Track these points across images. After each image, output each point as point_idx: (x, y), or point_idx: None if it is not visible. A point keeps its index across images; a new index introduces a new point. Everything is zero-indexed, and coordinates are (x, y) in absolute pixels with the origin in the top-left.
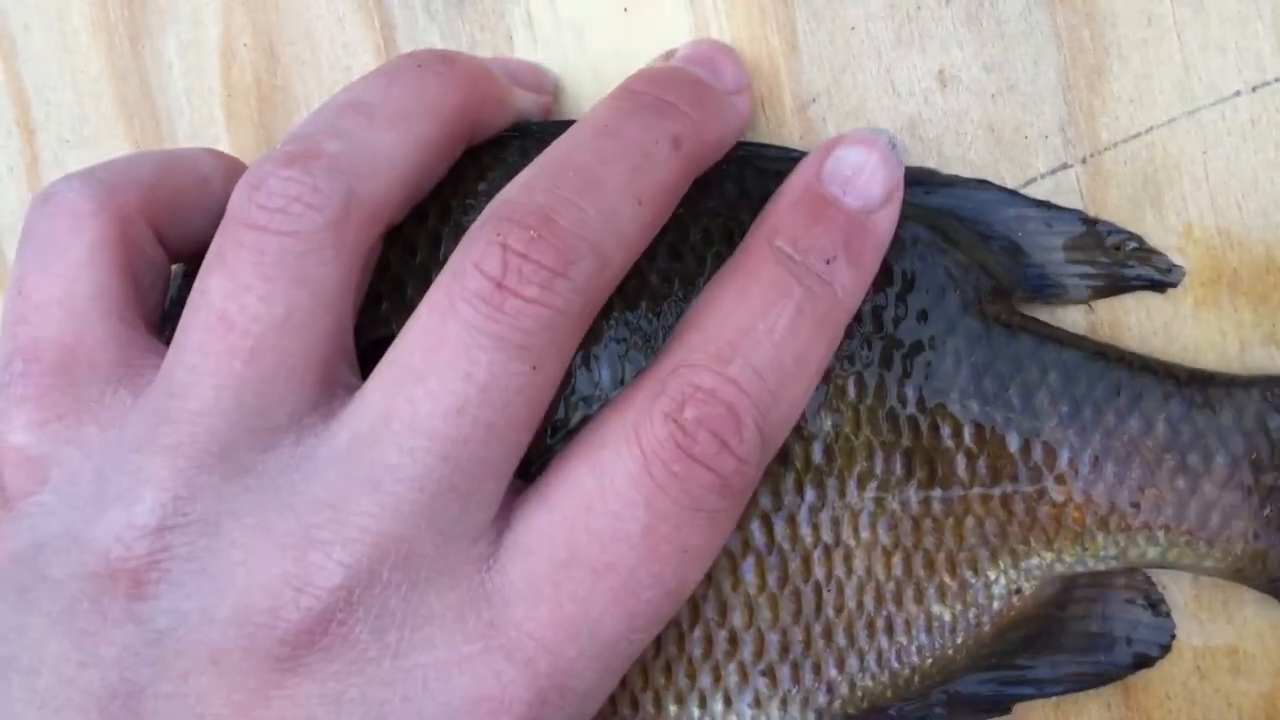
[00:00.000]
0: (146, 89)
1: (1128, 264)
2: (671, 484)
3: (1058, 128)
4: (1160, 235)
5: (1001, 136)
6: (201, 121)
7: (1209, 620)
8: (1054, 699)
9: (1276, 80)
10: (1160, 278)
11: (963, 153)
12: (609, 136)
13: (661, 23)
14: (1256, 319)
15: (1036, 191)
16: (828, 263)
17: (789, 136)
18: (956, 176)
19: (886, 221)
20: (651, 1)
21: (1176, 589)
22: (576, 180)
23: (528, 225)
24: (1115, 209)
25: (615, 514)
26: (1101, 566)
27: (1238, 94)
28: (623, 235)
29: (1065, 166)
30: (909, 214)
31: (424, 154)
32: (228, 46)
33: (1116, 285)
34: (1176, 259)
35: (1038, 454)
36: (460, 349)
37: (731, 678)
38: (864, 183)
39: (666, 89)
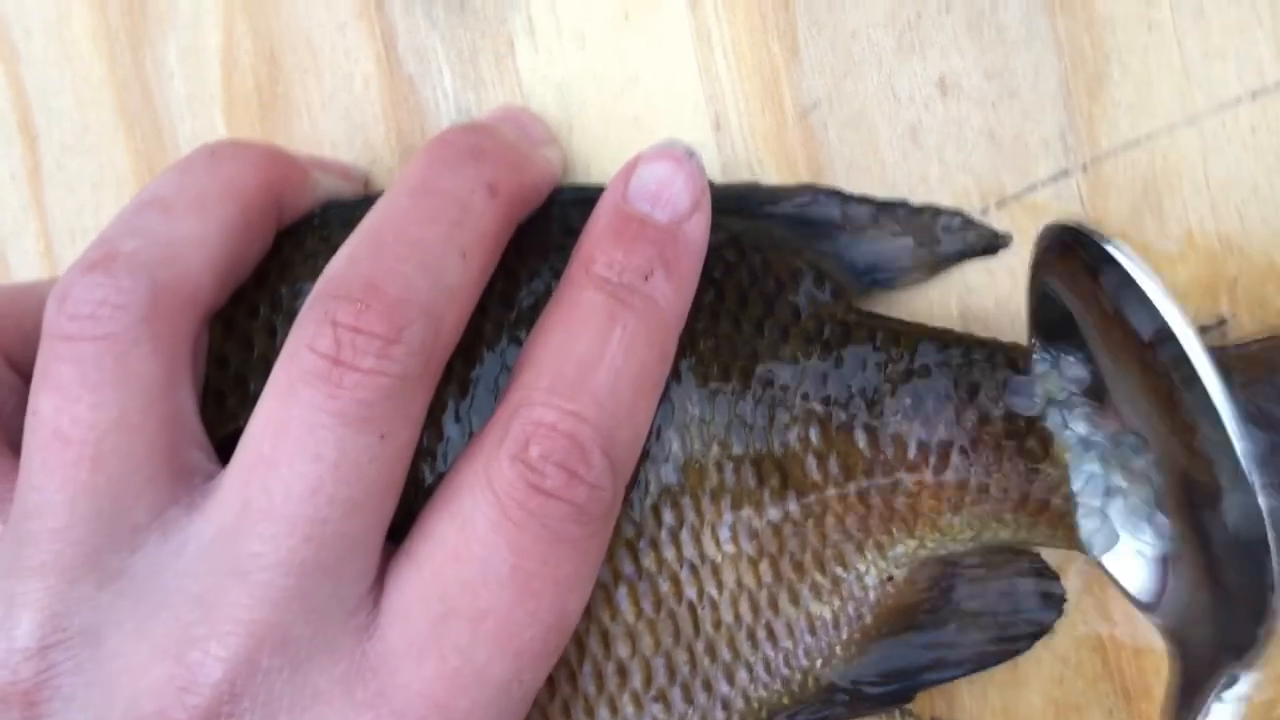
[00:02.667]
0: (148, 96)
1: (956, 238)
2: (530, 521)
3: (1058, 134)
4: (1161, 242)
5: (1002, 143)
6: (202, 129)
7: None
8: (1053, 707)
9: (1277, 87)
10: (989, 244)
11: (963, 159)
12: (425, 194)
13: (662, 29)
14: (1257, 327)
15: (1038, 198)
16: (646, 279)
17: (789, 143)
18: (781, 185)
19: (698, 229)
20: (652, 8)
21: None
22: (397, 244)
23: (355, 298)
24: (1116, 215)
25: (482, 560)
26: (959, 548)
27: (1238, 101)
28: (452, 291)
29: (1066, 173)
30: (735, 229)
31: (229, 237)
32: (229, 54)
33: (950, 259)
34: (1177, 266)
35: (886, 448)
36: (306, 431)
37: (627, 708)
38: (670, 195)
39: (477, 137)
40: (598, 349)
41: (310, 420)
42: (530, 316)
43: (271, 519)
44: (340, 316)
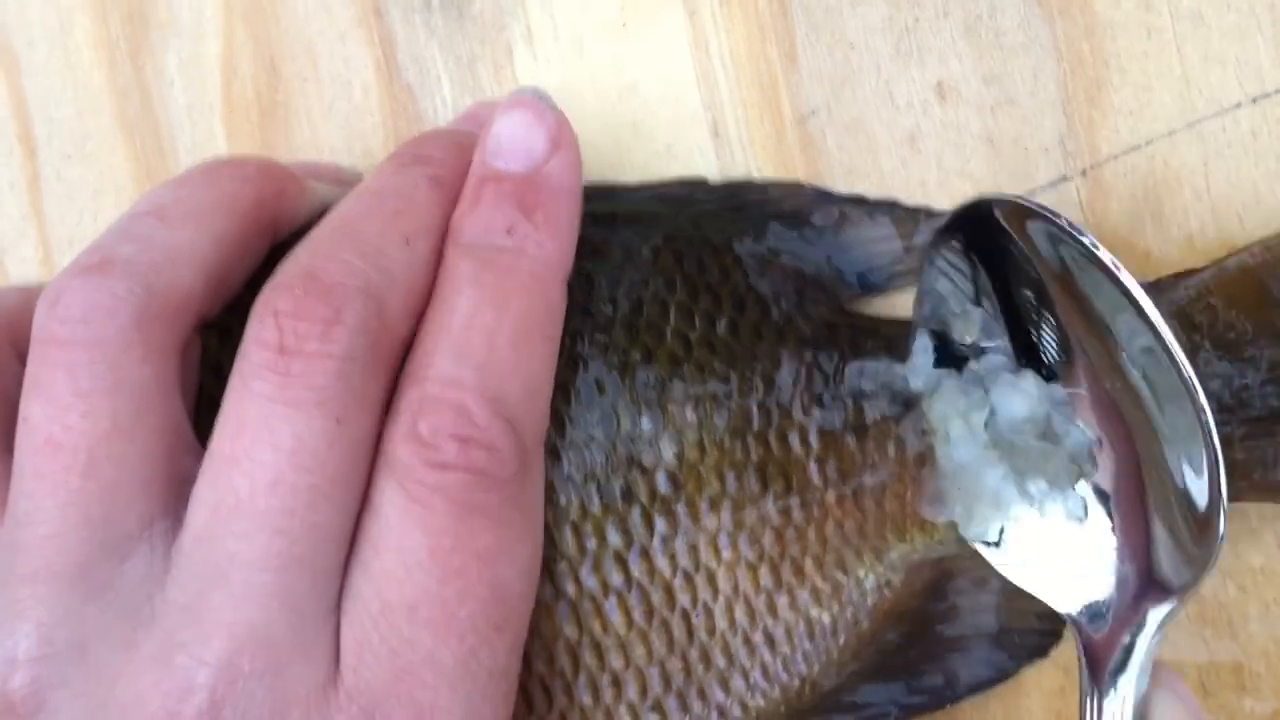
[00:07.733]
0: (148, 105)
1: None
2: (435, 498)
3: (1057, 140)
4: (1161, 247)
5: (1001, 149)
6: (202, 137)
7: (1213, 637)
8: (1054, 718)
9: (1277, 92)
10: None
11: (962, 165)
12: (366, 195)
13: (660, 37)
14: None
15: None
16: (509, 232)
17: (788, 150)
18: (773, 181)
19: (560, 169)
20: (650, 17)
21: None
22: (336, 236)
23: (292, 287)
24: (1116, 221)
25: (399, 549)
26: (951, 550)
27: (1238, 106)
28: (394, 274)
29: (1065, 179)
30: (731, 233)
31: (223, 248)
32: (228, 62)
33: None
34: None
35: (873, 449)
36: (261, 423)
37: (624, 719)
38: (523, 144)
39: (419, 145)
40: (467, 315)
41: (264, 412)
42: None
43: (241, 516)
44: (280, 306)
